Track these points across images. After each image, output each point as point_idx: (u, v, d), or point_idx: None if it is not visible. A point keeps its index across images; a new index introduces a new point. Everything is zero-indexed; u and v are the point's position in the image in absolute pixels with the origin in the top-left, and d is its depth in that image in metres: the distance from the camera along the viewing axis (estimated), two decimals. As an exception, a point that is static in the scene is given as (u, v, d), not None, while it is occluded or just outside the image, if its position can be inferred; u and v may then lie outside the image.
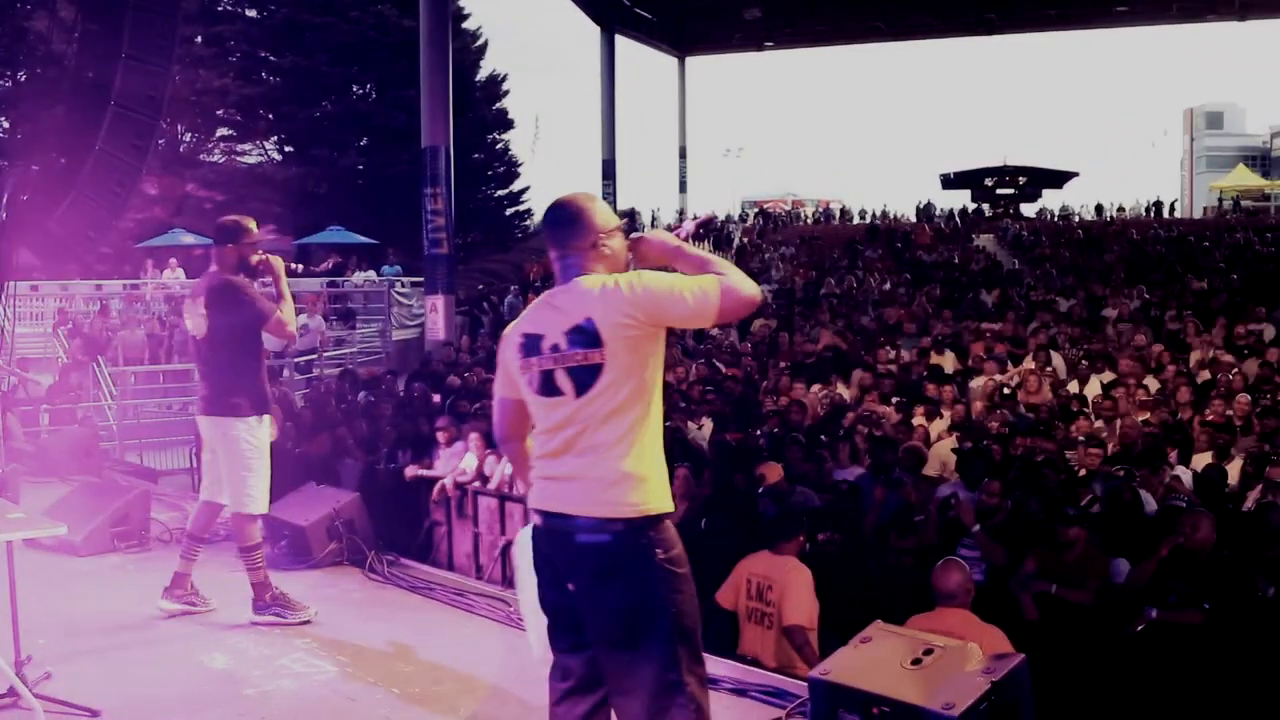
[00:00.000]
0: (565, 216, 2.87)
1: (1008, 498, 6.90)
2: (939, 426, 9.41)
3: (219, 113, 34.37)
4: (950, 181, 37.41)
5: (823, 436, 8.83)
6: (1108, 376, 10.52)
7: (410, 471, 9.12)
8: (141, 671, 4.61)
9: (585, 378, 2.72)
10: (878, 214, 38.04)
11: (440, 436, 9.24)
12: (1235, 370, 10.14)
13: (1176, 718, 4.99)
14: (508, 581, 5.96)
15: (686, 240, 2.97)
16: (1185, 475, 7.53)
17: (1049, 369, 10.98)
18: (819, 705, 3.50)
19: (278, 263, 5.34)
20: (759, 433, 9.26)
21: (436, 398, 11.52)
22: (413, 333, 20.27)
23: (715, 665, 4.49)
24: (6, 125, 27.23)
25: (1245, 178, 45.31)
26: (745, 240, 31.58)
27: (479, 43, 37.16)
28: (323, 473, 8.77)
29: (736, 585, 5.68)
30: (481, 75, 37.07)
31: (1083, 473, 7.60)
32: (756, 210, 44.91)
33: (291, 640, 5.00)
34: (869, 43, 35.55)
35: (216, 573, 5.77)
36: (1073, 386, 10.59)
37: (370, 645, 4.95)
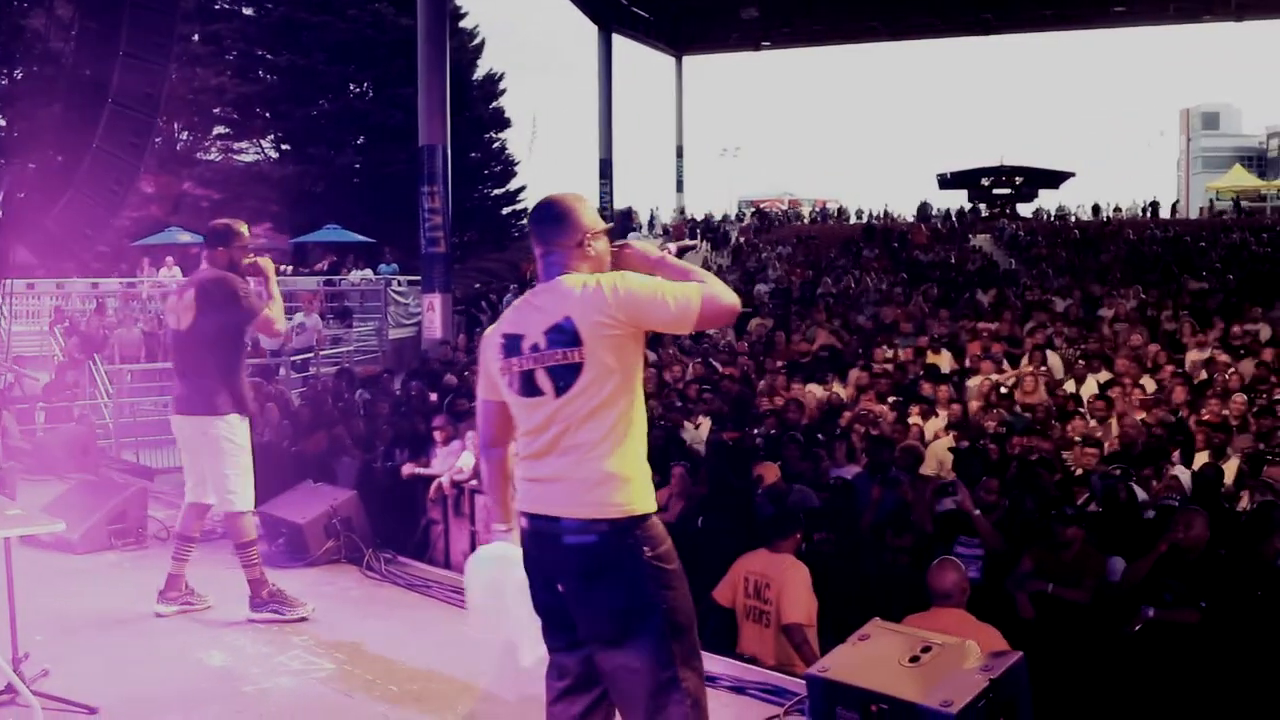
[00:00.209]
0: (553, 214, 2.87)
1: (1004, 497, 6.91)
2: (934, 425, 9.42)
3: (216, 111, 34.38)
4: (947, 181, 37.46)
5: (819, 435, 8.84)
6: (1104, 376, 10.53)
7: (407, 470, 9.11)
8: (139, 669, 4.61)
9: (565, 377, 2.71)
10: (875, 214, 38.04)
11: (437, 435, 9.24)
12: (1231, 370, 10.16)
13: (1173, 716, 5.00)
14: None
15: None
16: (1184, 475, 7.54)
17: (1043, 368, 11.00)
18: (817, 703, 3.50)
19: (268, 265, 5.34)
20: (756, 432, 9.27)
21: (433, 396, 11.52)
22: (409, 331, 20.26)
23: (714, 663, 4.50)
24: (3, 123, 27.21)
25: (1241, 178, 45.31)
26: (742, 240, 31.61)
27: (476, 41, 37.15)
28: (319, 471, 8.77)
29: (734, 583, 5.68)
30: (478, 74, 37.06)
31: (1079, 472, 7.61)
32: (753, 210, 44.92)
33: (289, 638, 5.00)
34: (866, 42, 35.63)
35: (214, 570, 5.76)
36: (1069, 386, 10.60)
37: (368, 642, 4.94)
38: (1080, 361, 11.16)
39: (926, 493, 7.23)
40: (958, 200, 37.15)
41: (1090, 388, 10.36)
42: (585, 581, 2.72)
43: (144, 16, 8.10)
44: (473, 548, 8.48)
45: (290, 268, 23.58)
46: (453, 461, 8.81)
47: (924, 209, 37.83)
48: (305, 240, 30.27)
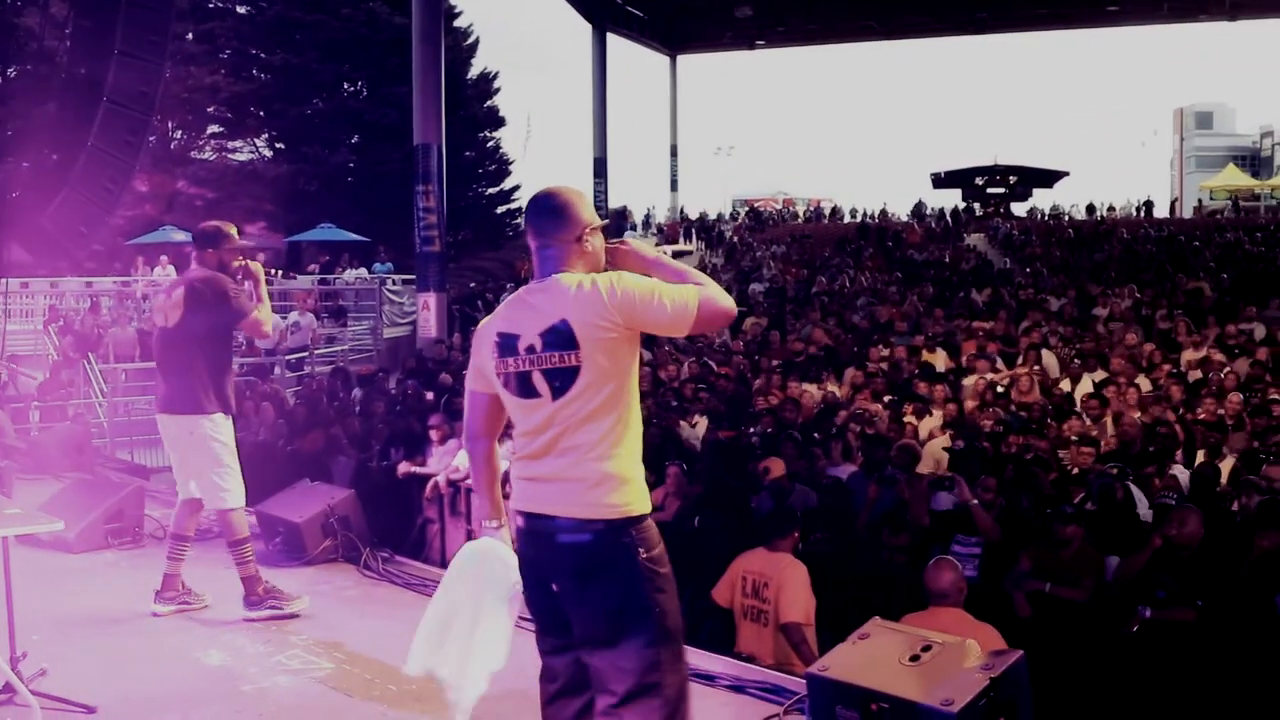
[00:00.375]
0: (552, 207, 2.84)
1: (1001, 495, 6.92)
2: (929, 424, 9.43)
3: (210, 110, 34.27)
4: (941, 181, 37.47)
5: (815, 434, 8.85)
6: (1099, 375, 10.56)
7: (403, 469, 9.11)
8: (137, 668, 4.60)
9: (562, 380, 2.70)
10: (870, 213, 38.07)
11: (433, 434, 9.23)
12: (1226, 369, 10.19)
13: (1170, 714, 5.01)
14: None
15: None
16: (1183, 474, 7.56)
17: (1038, 368, 11.02)
18: (817, 702, 3.50)
19: (258, 268, 5.34)
20: (752, 431, 9.27)
21: (429, 395, 11.51)
22: (404, 330, 20.23)
23: (713, 662, 4.52)
24: (-3, 122, 27.08)
25: (1235, 177, 45.45)
26: (736, 239, 31.61)
27: (470, 40, 37.09)
28: (315, 470, 8.74)
29: (732, 582, 5.68)
30: (473, 73, 36.99)
31: (1075, 471, 7.62)
32: (748, 209, 44.94)
33: (288, 637, 4.99)
34: (860, 41, 35.66)
35: (211, 569, 5.75)
36: (1064, 385, 10.62)
37: (366, 641, 4.93)
38: (1075, 361, 11.19)
39: (922, 490, 7.23)
40: (952, 199, 37.20)
41: (1085, 387, 10.38)
42: (580, 581, 2.72)
43: (139, 14, 8.09)
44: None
45: (280, 272, 23.44)
46: (448, 460, 8.80)
47: (918, 208, 37.90)
48: (300, 239, 30.20)
